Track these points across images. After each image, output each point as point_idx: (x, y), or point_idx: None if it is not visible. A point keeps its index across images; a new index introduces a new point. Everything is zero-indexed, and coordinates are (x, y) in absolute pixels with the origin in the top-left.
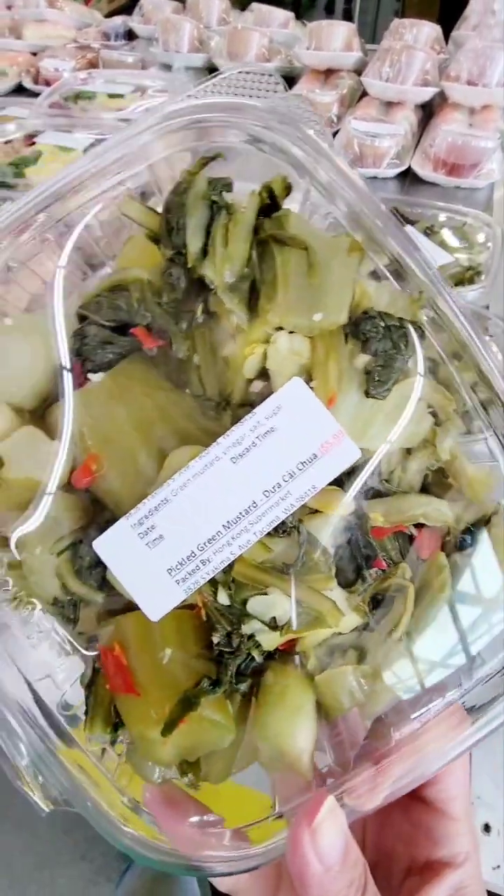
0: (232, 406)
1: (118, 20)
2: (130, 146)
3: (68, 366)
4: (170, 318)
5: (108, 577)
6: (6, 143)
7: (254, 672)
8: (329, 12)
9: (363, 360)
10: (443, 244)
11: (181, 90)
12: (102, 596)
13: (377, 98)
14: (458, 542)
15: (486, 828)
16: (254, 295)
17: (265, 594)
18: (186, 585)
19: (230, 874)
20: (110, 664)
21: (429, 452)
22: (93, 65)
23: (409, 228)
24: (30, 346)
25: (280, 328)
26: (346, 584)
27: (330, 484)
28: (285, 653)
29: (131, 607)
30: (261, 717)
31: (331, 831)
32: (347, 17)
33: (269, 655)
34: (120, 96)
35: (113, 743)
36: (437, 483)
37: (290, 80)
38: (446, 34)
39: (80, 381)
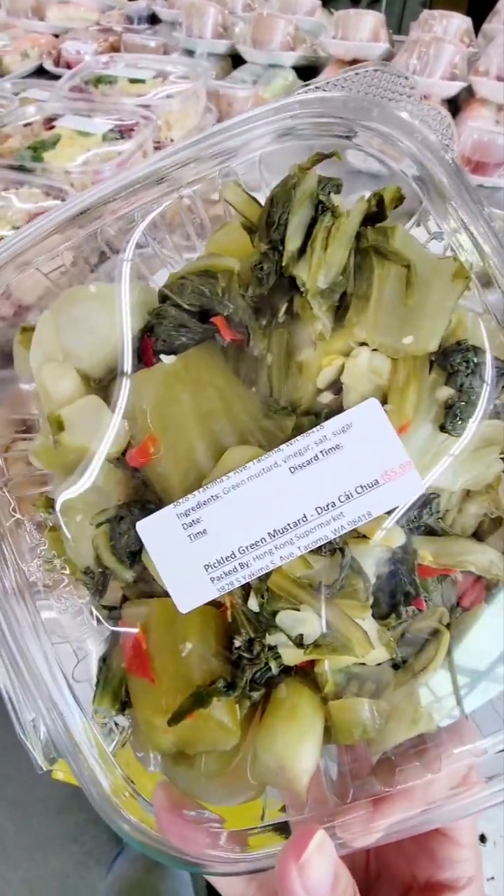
0: (297, 413)
1: (142, 3)
2: (249, 131)
3: (128, 347)
4: (251, 313)
5: (143, 558)
6: (25, 125)
7: (268, 682)
8: (356, 1)
9: (445, 392)
10: None
11: (203, 76)
12: (133, 575)
13: None
14: None
15: (483, 838)
16: (343, 305)
17: (297, 609)
18: (221, 584)
19: (222, 874)
20: (129, 645)
21: (490, 498)
22: (115, 48)
23: None
24: (108, 315)
25: (364, 344)
26: (380, 616)
27: (386, 513)
28: (303, 670)
29: (159, 593)
30: (267, 730)
31: (319, 866)
32: (375, 6)
33: (286, 669)
34: (141, 81)
35: (118, 721)
36: (491, 531)
37: (314, 69)
38: (476, 27)
39: (150, 360)
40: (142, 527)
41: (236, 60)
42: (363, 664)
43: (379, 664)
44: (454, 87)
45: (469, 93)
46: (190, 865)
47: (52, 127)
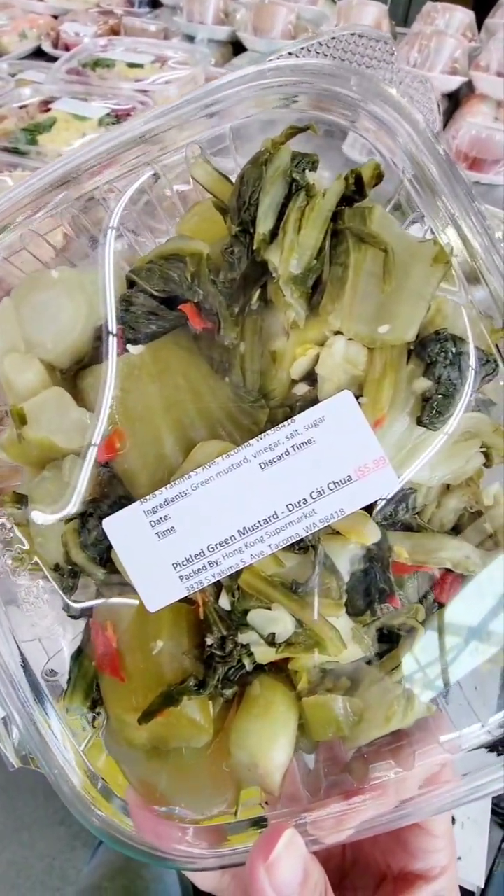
0: (270, 404)
1: None
2: (218, 98)
3: (113, 331)
4: (223, 300)
5: (112, 556)
6: (21, 107)
7: (241, 679)
8: None
9: (423, 384)
10: None
11: (202, 63)
12: (103, 572)
13: None
14: None
15: (451, 820)
16: (317, 291)
17: (268, 608)
18: (190, 583)
19: (193, 870)
20: (100, 643)
21: (470, 493)
22: (114, 31)
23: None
24: (73, 303)
25: (339, 333)
26: (354, 614)
27: (361, 509)
28: (277, 667)
29: (127, 592)
30: (241, 726)
31: (287, 864)
32: None
33: (260, 666)
34: (139, 66)
35: (91, 718)
36: (470, 526)
37: None
38: (480, 21)
39: (119, 349)
40: (108, 524)
41: (237, 48)
42: (337, 661)
43: (353, 661)
44: (454, 82)
45: (469, 88)
46: (161, 861)
47: (48, 109)
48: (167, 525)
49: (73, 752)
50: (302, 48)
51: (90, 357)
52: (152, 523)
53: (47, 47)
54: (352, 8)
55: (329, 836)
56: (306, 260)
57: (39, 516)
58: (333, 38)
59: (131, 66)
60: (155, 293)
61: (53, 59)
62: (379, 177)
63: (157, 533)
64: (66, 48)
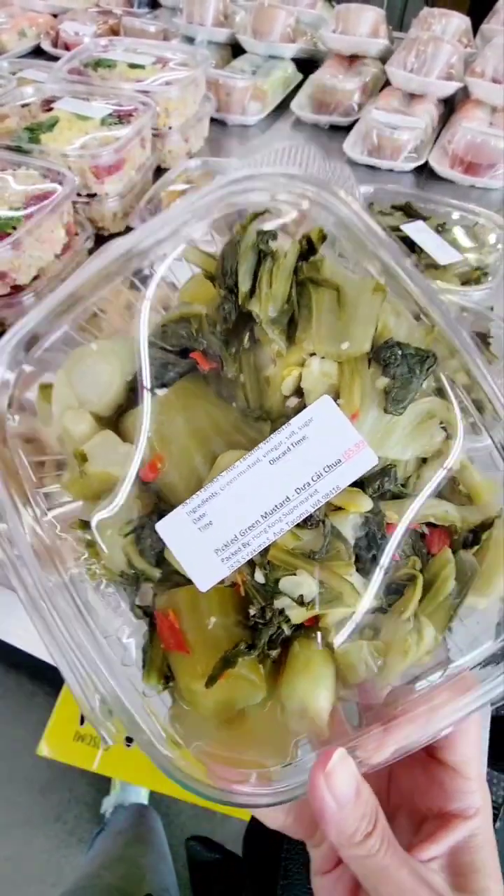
0: (271, 418)
1: None
2: (198, 206)
3: (149, 386)
4: (222, 345)
5: (166, 554)
6: (23, 106)
7: (283, 642)
8: None
9: (383, 382)
10: (453, 242)
11: (202, 65)
12: (159, 572)
13: (400, 89)
14: (464, 540)
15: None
16: (292, 326)
17: (294, 575)
18: (230, 563)
19: (258, 807)
20: (165, 626)
21: (441, 462)
22: (114, 31)
23: (419, 224)
24: (109, 366)
25: (313, 354)
26: (364, 571)
27: (353, 485)
28: (310, 628)
29: (183, 584)
30: (288, 680)
31: (342, 775)
32: (377, 0)
33: (297, 629)
34: (140, 67)
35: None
36: (449, 489)
37: (314, 63)
38: (476, 27)
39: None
40: (160, 527)
41: (236, 50)
42: (356, 612)
43: (370, 611)
44: (450, 88)
45: (465, 93)
46: (232, 803)
47: (51, 109)
48: (206, 521)
49: (157, 723)
50: (255, 158)
51: (127, 404)
52: (194, 521)
53: (47, 46)
54: (350, 12)
55: (373, 757)
56: (279, 305)
57: (104, 535)
58: (275, 151)
59: (132, 66)
60: (170, 348)
61: (53, 58)
62: (324, 237)
63: (198, 528)
64: (66, 47)
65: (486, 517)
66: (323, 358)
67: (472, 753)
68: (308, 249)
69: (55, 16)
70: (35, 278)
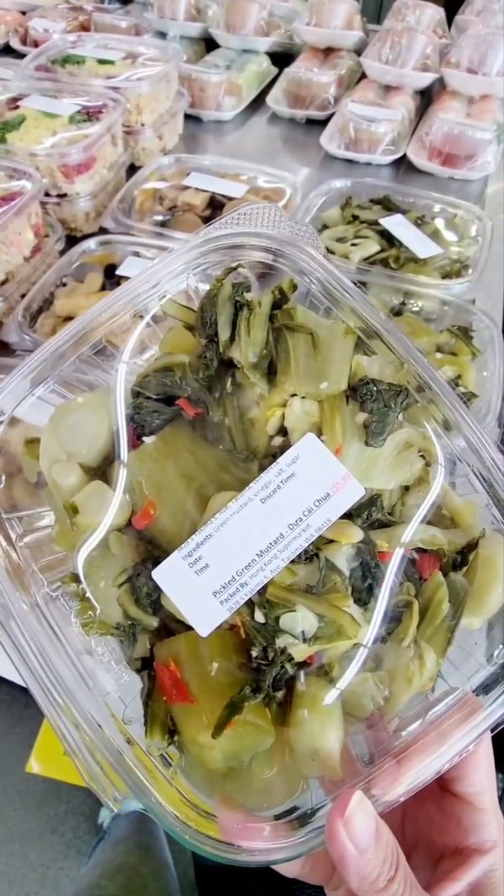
0: (258, 457)
1: None
2: (174, 264)
3: (125, 438)
4: (206, 390)
5: (163, 601)
6: None
7: (287, 682)
8: None
9: (362, 417)
10: (434, 235)
11: (174, 59)
12: (157, 620)
13: (375, 81)
14: (452, 562)
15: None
16: (272, 370)
17: (294, 611)
18: (229, 605)
19: (277, 862)
20: (167, 678)
21: (423, 489)
22: (84, 28)
23: (398, 217)
24: (96, 417)
25: (294, 395)
26: (361, 602)
27: (342, 517)
28: (313, 665)
29: (178, 631)
30: (295, 722)
31: (361, 819)
32: None
33: (300, 667)
34: (110, 62)
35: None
36: (433, 514)
37: (289, 57)
38: (450, 18)
39: (135, 443)
40: (157, 574)
41: (210, 45)
42: (357, 645)
43: (371, 643)
44: (426, 79)
45: (441, 85)
46: (249, 861)
47: (17, 107)
48: (202, 563)
49: (163, 786)
50: (225, 221)
51: (114, 454)
52: (190, 564)
53: (15, 44)
54: (323, 5)
55: (389, 793)
56: (259, 351)
57: (97, 587)
58: (243, 213)
59: (102, 62)
60: (155, 396)
61: (22, 55)
62: (294, 287)
63: (195, 571)
64: (35, 44)
65: (470, 538)
66: (303, 398)
67: (484, 784)
68: (280, 298)
69: (24, 13)
70: (3, 282)
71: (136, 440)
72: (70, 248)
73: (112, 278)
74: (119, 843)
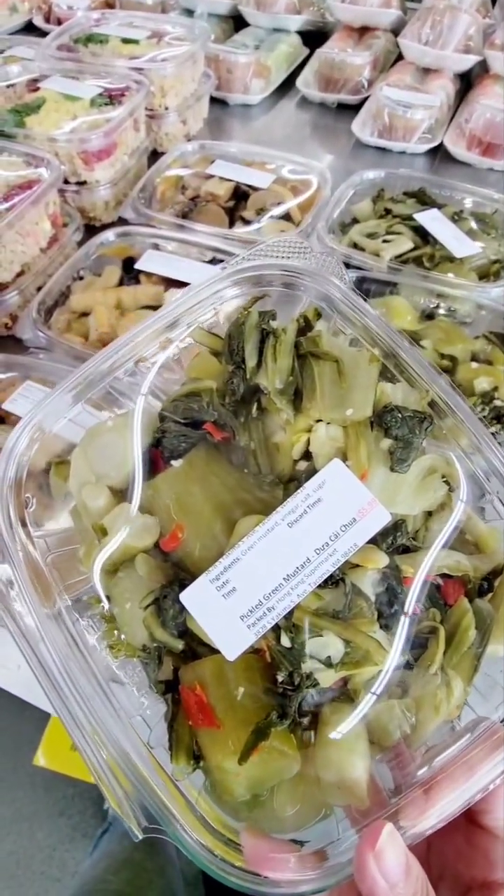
0: (283, 482)
1: None
2: (204, 294)
3: (140, 466)
4: (232, 415)
5: (189, 624)
6: (8, 86)
7: (313, 708)
8: None
9: (387, 443)
10: (470, 232)
11: (201, 39)
12: (182, 644)
13: (413, 63)
14: (478, 588)
15: None
16: (297, 396)
17: (320, 636)
18: (256, 629)
19: (316, 892)
20: (192, 702)
21: (447, 514)
22: (109, 5)
23: (434, 212)
24: (124, 440)
25: (319, 420)
26: (387, 627)
27: (368, 542)
28: (339, 691)
29: (204, 655)
30: (322, 750)
31: (392, 853)
32: None
33: (325, 693)
34: (135, 42)
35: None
36: (457, 540)
37: (321, 36)
38: None
39: (161, 467)
40: (185, 597)
41: (238, 23)
42: (383, 671)
43: (397, 668)
44: (468, 61)
45: (483, 68)
46: (276, 893)
47: (37, 89)
48: (229, 587)
49: (188, 812)
50: (250, 253)
51: (143, 477)
52: (217, 588)
53: (39, 21)
54: None
55: (418, 825)
56: (285, 377)
57: (122, 609)
58: (270, 245)
59: (126, 41)
60: (182, 421)
61: (45, 33)
62: (319, 315)
63: (222, 595)
64: (59, 22)
65: (496, 564)
66: (329, 424)
67: None
68: (305, 326)
69: None
70: (19, 274)
71: (162, 463)
72: (88, 239)
73: (130, 272)
74: (124, 836)
